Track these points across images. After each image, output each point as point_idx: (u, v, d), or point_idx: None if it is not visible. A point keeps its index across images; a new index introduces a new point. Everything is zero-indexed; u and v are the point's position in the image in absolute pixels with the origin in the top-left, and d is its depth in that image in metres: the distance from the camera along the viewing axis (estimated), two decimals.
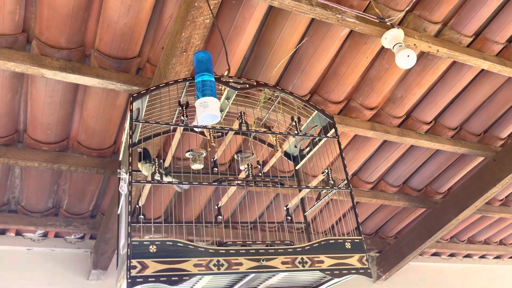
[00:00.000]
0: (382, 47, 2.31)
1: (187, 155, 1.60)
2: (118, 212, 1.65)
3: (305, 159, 2.02)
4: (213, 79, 1.52)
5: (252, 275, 1.36)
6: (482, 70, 2.60)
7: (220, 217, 1.64)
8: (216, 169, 1.61)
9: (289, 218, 1.86)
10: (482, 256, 4.64)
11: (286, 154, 2.08)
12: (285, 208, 1.93)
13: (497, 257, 4.72)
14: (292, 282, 1.60)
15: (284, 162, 2.16)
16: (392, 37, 2.08)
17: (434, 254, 4.36)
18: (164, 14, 1.98)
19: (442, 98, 2.71)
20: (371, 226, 3.74)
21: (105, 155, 2.53)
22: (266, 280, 1.50)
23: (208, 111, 1.40)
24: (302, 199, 1.94)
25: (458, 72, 2.58)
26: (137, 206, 1.63)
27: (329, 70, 2.42)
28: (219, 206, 1.68)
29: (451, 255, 4.45)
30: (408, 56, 2.01)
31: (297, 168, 2.05)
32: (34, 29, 1.93)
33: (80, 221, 2.93)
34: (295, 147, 2.02)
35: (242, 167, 1.71)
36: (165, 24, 2.00)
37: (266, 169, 1.91)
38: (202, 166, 1.62)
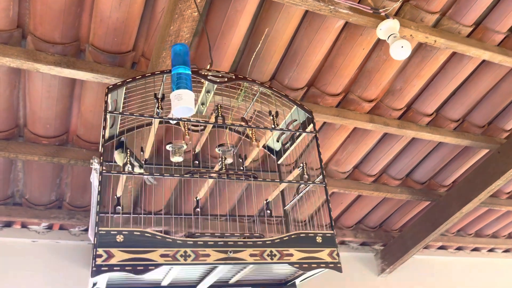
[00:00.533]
0: (379, 39, 2.28)
1: (167, 147, 1.61)
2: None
3: (286, 153, 2.01)
4: (189, 72, 1.52)
5: (221, 266, 1.37)
6: (484, 60, 2.56)
7: (198, 209, 1.65)
8: (197, 162, 1.61)
9: (269, 211, 1.86)
10: (491, 250, 4.58)
11: (269, 149, 2.08)
12: (265, 201, 1.93)
13: (506, 250, 4.66)
14: (267, 275, 1.61)
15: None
16: (387, 28, 2.06)
17: (441, 248, 4.32)
18: (157, 8, 1.99)
19: (443, 90, 2.68)
20: (374, 219, 3.72)
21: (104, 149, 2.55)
22: (238, 272, 1.51)
23: (182, 103, 1.41)
24: (282, 193, 1.94)
25: (458, 63, 2.54)
26: (115, 197, 1.66)
27: (325, 62, 2.41)
28: (197, 199, 1.69)
29: (458, 248, 4.40)
30: (402, 47, 1.99)
31: (279, 162, 2.04)
32: (28, 25, 1.96)
33: (83, 214, 2.98)
34: (277, 141, 2.02)
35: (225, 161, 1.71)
36: (157, 18, 2.01)
37: (247, 162, 1.91)
38: (182, 159, 1.63)
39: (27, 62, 1.94)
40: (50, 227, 3.05)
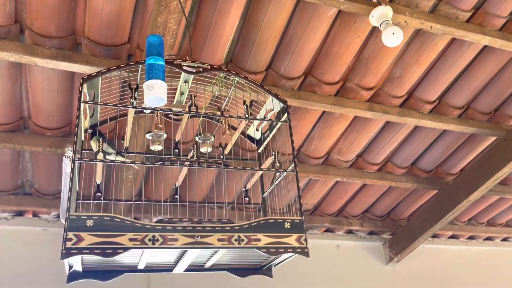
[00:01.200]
0: (374, 26, 2.26)
1: (147, 136, 1.65)
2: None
3: (265, 142, 2.02)
4: (163, 63, 1.55)
5: (190, 251, 1.40)
6: (486, 46, 2.51)
7: (177, 196, 1.69)
8: (177, 150, 1.65)
9: (248, 199, 1.89)
10: (505, 239, 4.50)
11: (250, 137, 2.10)
12: (244, 189, 1.97)
13: None
14: (242, 260, 1.64)
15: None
16: (380, 15, 2.04)
17: (452, 237, 4.27)
18: (149, 0, 2.02)
19: (444, 76, 2.64)
20: (381, 208, 3.70)
21: (109, 138, 2.62)
22: (212, 256, 1.54)
23: (154, 93, 1.44)
24: (261, 180, 1.96)
25: (458, 49, 2.50)
26: (95, 184, 1.71)
27: (321, 51, 2.40)
28: (176, 186, 1.73)
29: (471, 238, 4.34)
30: (393, 33, 1.97)
31: (259, 150, 2.06)
32: (26, 20, 2.02)
33: (89, 203, 3.06)
34: (257, 130, 2.04)
35: (202, 149, 1.75)
36: (150, 10, 2.04)
37: (227, 151, 1.94)
38: (161, 147, 1.67)
39: (25, 56, 2.00)
40: (59, 216, 3.15)
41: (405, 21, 2.15)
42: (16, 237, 3.02)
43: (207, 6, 2.07)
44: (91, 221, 1.35)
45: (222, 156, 1.88)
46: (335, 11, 2.20)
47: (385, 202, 3.64)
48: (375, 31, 2.35)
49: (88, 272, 1.65)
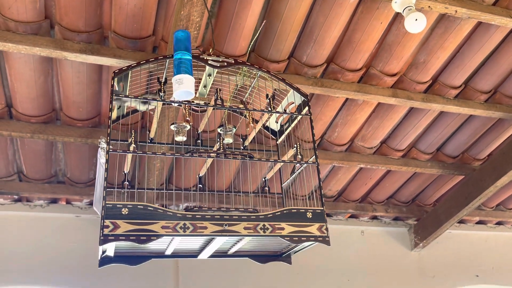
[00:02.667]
0: (397, 12, 2.24)
1: (171, 127, 1.71)
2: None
3: (284, 134, 2.05)
4: (190, 58, 1.59)
5: (218, 238, 1.46)
6: None
7: (201, 185, 1.75)
8: (199, 141, 1.70)
9: (267, 188, 1.94)
10: None
11: (271, 130, 2.14)
12: (263, 179, 2.01)
13: None
14: (261, 247, 1.69)
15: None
16: (402, 0, 2.03)
17: (479, 223, 4.22)
18: None
19: (470, 61, 2.60)
20: (406, 194, 3.69)
21: (134, 129, 2.70)
22: (236, 243, 1.60)
23: (183, 87, 1.49)
24: (280, 172, 1.98)
25: (485, 33, 2.45)
26: (123, 173, 1.78)
27: (343, 38, 2.40)
28: (199, 176, 1.79)
29: (498, 223, 4.28)
30: (416, 19, 1.95)
31: (278, 142, 2.09)
32: (55, 15, 2.09)
33: (125, 194, 3.17)
34: (276, 122, 2.07)
35: (224, 141, 1.79)
36: (173, 2, 2.08)
37: (247, 142, 1.98)
38: (185, 138, 1.72)
39: (56, 51, 2.08)
40: (91, 203, 3.28)
41: (429, 6, 2.12)
42: (51, 224, 3.16)
43: None
44: (126, 209, 1.43)
45: (243, 147, 1.92)
46: None
47: (410, 188, 3.63)
48: (398, 17, 2.33)
49: (119, 257, 1.74)
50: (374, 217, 3.89)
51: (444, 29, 2.39)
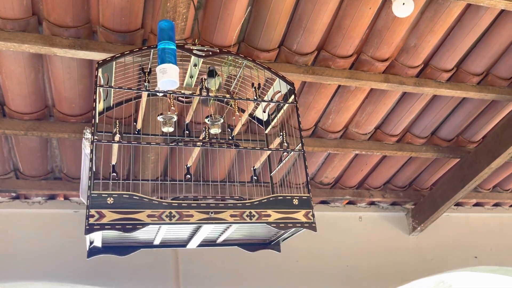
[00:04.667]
0: None
1: (158, 118, 1.72)
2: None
3: (272, 123, 2.06)
4: (174, 47, 1.59)
5: (204, 226, 1.48)
6: (503, 10, 2.44)
7: (189, 176, 1.76)
8: (188, 132, 1.71)
9: (255, 178, 1.95)
10: None
11: (258, 120, 2.14)
12: (252, 169, 2.02)
13: None
14: (250, 235, 1.70)
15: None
16: None
17: (477, 205, 4.24)
18: None
19: (461, 43, 2.59)
20: (403, 178, 3.71)
21: (127, 123, 2.71)
22: (224, 232, 1.61)
23: (167, 77, 1.49)
24: (269, 160, 2.00)
25: (475, 15, 2.45)
26: (110, 164, 1.80)
27: (333, 25, 2.40)
28: (188, 166, 1.80)
29: (496, 205, 4.30)
30: (404, 4, 1.96)
31: (266, 132, 2.10)
32: (42, 11, 2.09)
33: (116, 185, 3.19)
34: (264, 112, 2.07)
35: (212, 131, 1.80)
36: None
37: (235, 132, 1.99)
38: (172, 129, 1.73)
39: (44, 47, 2.08)
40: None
41: None
42: (50, 220, 3.18)
43: None
44: (111, 199, 1.45)
45: (231, 137, 1.93)
46: None
47: (406, 173, 3.64)
48: (387, 2, 2.32)
49: (107, 248, 1.76)
50: (372, 203, 3.91)
51: (433, 13, 2.39)
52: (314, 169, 3.42)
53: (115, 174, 1.79)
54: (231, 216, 1.47)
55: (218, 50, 1.76)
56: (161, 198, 1.55)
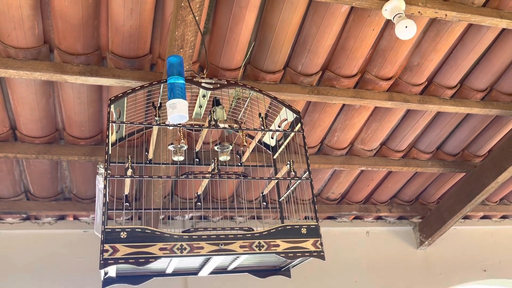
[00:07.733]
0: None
1: (169, 147, 1.75)
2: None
3: (280, 150, 2.10)
4: (183, 82, 1.64)
5: (215, 257, 1.50)
6: (504, 28, 2.48)
7: (199, 203, 1.79)
8: (198, 159, 1.74)
9: (265, 204, 1.98)
10: None
11: (266, 145, 2.18)
12: (261, 194, 2.06)
13: None
14: (262, 262, 1.72)
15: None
16: (392, 8, 2.07)
17: (484, 217, 4.24)
18: (166, 12, 2.10)
19: (464, 61, 2.63)
20: (409, 193, 3.72)
21: (134, 145, 2.75)
22: (234, 260, 1.64)
23: (176, 112, 1.53)
24: (278, 186, 2.03)
25: (477, 33, 2.48)
26: (124, 195, 1.83)
27: (337, 46, 2.44)
28: (198, 194, 1.83)
29: (503, 217, 4.29)
30: (406, 27, 2.00)
31: (274, 157, 2.13)
32: (54, 40, 2.14)
33: (125, 206, 3.22)
34: (272, 138, 2.11)
35: (221, 158, 1.84)
36: (168, 21, 2.13)
37: (244, 159, 2.02)
38: (182, 158, 1.76)
39: (56, 75, 2.14)
40: None
41: (419, 12, 2.15)
42: (59, 240, 3.21)
43: (223, 12, 2.14)
44: (125, 233, 1.47)
45: (240, 163, 1.96)
46: (348, 7, 2.23)
47: (413, 187, 3.65)
48: (390, 23, 2.36)
49: (121, 277, 1.78)
50: (379, 218, 3.92)
51: (436, 32, 2.43)
52: (320, 185, 3.44)
53: (127, 204, 1.83)
54: (241, 247, 1.50)
55: (225, 82, 1.81)
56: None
